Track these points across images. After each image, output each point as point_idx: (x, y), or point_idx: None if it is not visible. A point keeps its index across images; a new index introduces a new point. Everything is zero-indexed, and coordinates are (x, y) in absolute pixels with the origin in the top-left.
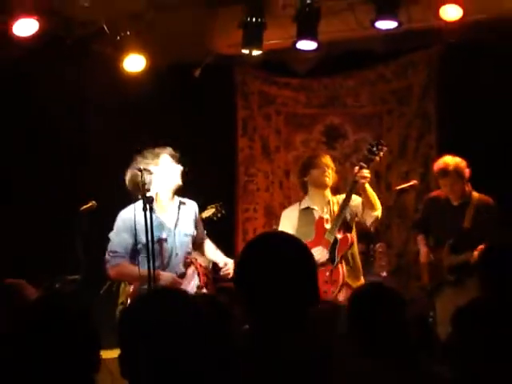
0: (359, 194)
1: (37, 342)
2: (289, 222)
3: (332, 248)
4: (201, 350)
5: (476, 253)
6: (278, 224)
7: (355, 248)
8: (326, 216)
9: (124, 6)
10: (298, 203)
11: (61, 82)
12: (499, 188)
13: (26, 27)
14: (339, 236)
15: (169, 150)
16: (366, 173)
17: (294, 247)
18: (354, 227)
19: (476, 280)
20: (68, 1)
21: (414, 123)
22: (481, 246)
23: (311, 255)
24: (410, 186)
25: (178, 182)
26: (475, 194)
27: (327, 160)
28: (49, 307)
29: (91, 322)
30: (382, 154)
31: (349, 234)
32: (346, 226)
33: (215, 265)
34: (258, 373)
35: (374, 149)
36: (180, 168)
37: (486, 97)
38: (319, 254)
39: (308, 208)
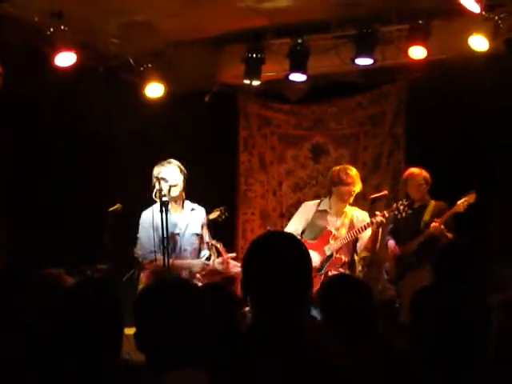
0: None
1: (72, 322)
2: (304, 215)
3: (325, 260)
4: (204, 329)
5: (434, 224)
6: (271, 225)
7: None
8: (334, 231)
9: (147, 44)
10: (318, 201)
11: (94, 102)
12: (452, 194)
13: (65, 59)
14: (336, 255)
15: (176, 162)
16: (380, 219)
17: (293, 244)
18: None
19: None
20: (101, 37)
21: (385, 142)
22: (435, 223)
23: (307, 251)
24: (382, 195)
25: (179, 190)
26: (432, 201)
27: (355, 177)
28: (84, 292)
29: (119, 306)
30: (403, 214)
31: (343, 257)
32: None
33: None
34: (257, 350)
35: (401, 208)
36: (182, 178)
37: (446, 121)
38: (312, 258)
39: (325, 211)
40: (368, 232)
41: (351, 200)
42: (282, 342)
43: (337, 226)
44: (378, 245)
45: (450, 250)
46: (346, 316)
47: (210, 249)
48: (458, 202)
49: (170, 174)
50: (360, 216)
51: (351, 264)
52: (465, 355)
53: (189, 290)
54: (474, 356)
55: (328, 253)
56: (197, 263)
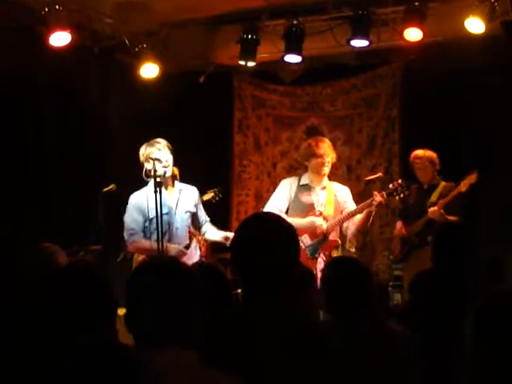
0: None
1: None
2: (285, 192)
3: (318, 243)
4: (194, 309)
5: (432, 209)
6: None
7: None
8: (322, 210)
9: (142, 24)
10: (297, 177)
11: (89, 83)
12: (452, 173)
13: (60, 39)
14: (330, 237)
15: (165, 142)
16: (380, 199)
17: (279, 224)
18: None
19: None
20: (95, 17)
21: (380, 125)
22: (433, 208)
23: (294, 230)
24: (376, 177)
25: (171, 170)
26: (443, 182)
27: (326, 148)
28: (79, 272)
29: (110, 287)
30: (401, 196)
31: (338, 239)
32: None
33: (217, 243)
34: (247, 326)
35: (399, 189)
36: (171, 158)
37: (440, 103)
38: (303, 240)
39: (307, 185)
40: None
41: (327, 171)
42: (269, 325)
43: (322, 201)
44: (369, 225)
45: (443, 233)
46: (349, 299)
47: (190, 238)
48: (461, 183)
49: (162, 155)
50: (342, 192)
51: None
52: (456, 341)
53: (178, 270)
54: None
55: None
56: (174, 249)
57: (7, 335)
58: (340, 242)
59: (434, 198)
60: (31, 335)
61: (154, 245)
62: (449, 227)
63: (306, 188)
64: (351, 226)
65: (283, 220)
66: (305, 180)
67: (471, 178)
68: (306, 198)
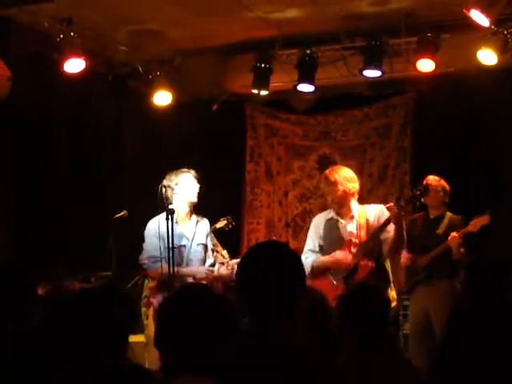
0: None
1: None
2: (314, 231)
3: (350, 272)
4: (221, 338)
5: (453, 234)
6: (276, 235)
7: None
8: (354, 239)
9: (155, 52)
10: (327, 211)
11: (103, 109)
12: (461, 208)
13: (74, 65)
14: (362, 263)
15: (192, 171)
16: (395, 209)
17: (285, 253)
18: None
19: (443, 280)
20: (110, 44)
21: (392, 155)
22: (454, 234)
23: (299, 260)
24: (387, 207)
25: (194, 199)
26: (449, 213)
27: (335, 179)
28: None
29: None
30: (418, 203)
31: (369, 262)
32: (370, 253)
33: None
34: (251, 354)
35: (418, 193)
36: (197, 187)
37: (452, 134)
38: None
39: (333, 219)
40: (390, 231)
41: (332, 202)
42: (269, 354)
43: (350, 231)
44: (401, 240)
45: (484, 266)
46: (364, 323)
47: (213, 255)
48: (472, 223)
49: (187, 183)
50: (375, 212)
51: (379, 270)
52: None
53: (208, 300)
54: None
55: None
56: (201, 270)
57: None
58: (371, 265)
59: (441, 230)
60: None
61: (177, 271)
62: (486, 260)
63: (333, 222)
64: (385, 249)
65: (286, 248)
66: (331, 213)
67: (484, 219)
68: (334, 233)
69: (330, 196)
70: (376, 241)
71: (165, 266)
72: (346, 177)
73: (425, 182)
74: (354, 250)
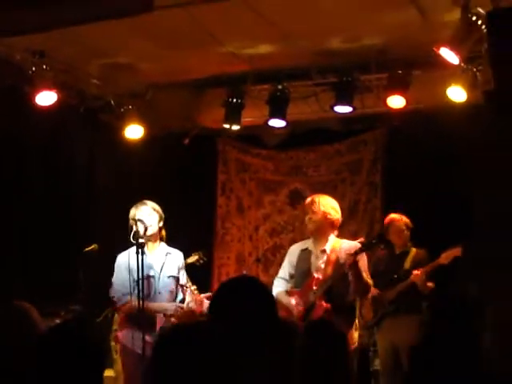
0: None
1: (52, 362)
2: (289, 260)
3: (309, 309)
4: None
5: (416, 272)
6: (246, 269)
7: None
8: (318, 275)
9: (127, 85)
10: (305, 241)
11: (74, 142)
12: (430, 243)
13: (46, 98)
14: (320, 302)
15: (149, 203)
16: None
17: (255, 290)
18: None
19: (410, 314)
20: (82, 77)
21: (363, 190)
22: (417, 272)
23: (270, 296)
24: (358, 241)
25: (151, 231)
26: (414, 248)
27: (305, 206)
28: (67, 333)
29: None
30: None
31: (324, 304)
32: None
33: None
34: None
35: (374, 241)
36: (156, 216)
37: (422, 169)
38: (296, 306)
39: (307, 250)
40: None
41: (330, 231)
42: None
43: (318, 265)
44: (362, 285)
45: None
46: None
47: (183, 291)
48: (443, 255)
49: (144, 215)
50: (348, 251)
51: (345, 311)
52: None
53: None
54: None
55: (311, 299)
56: (170, 306)
57: None
58: (326, 305)
59: (407, 264)
60: None
61: (146, 306)
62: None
63: (306, 253)
64: (351, 288)
65: (257, 284)
66: (306, 244)
67: (456, 251)
68: (305, 264)
69: (311, 223)
70: (338, 280)
71: (134, 299)
72: (332, 206)
73: (387, 222)
74: (315, 287)
